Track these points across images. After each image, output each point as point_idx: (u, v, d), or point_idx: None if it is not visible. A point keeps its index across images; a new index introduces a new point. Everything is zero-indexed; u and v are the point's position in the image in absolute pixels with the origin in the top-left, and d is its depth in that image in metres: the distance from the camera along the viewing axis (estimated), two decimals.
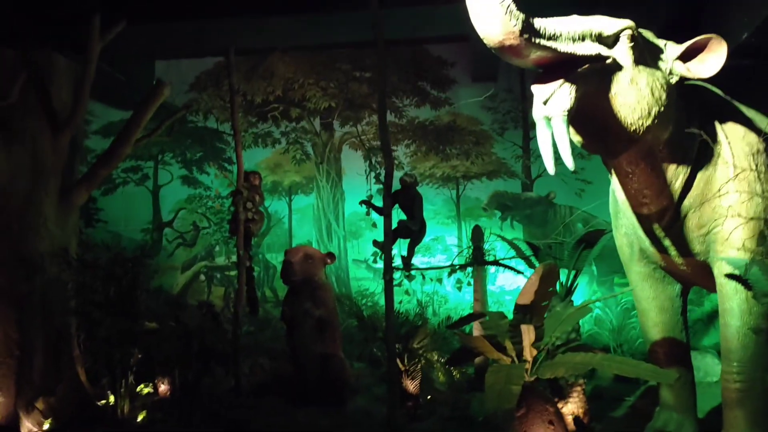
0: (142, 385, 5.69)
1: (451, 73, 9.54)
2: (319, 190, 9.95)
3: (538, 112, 3.18)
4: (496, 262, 5.58)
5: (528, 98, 9.18)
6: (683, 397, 4.55)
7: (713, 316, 7.56)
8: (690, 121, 3.79)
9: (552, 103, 3.11)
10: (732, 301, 3.78)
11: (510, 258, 5.75)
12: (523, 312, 4.09)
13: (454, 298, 8.98)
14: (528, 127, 9.27)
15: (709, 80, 3.70)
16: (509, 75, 9.16)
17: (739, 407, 3.72)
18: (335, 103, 9.69)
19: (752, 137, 3.88)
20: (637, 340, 7.78)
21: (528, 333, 4.02)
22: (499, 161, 9.45)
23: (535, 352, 4.05)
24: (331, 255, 5.91)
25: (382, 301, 9.20)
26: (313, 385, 5.54)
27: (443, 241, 9.51)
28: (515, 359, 4.10)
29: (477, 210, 9.37)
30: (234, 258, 6.11)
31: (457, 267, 5.51)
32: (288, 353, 5.87)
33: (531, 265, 5.66)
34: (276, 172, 10.14)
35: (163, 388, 5.66)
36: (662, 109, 3.45)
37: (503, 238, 5.93)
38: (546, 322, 4.17)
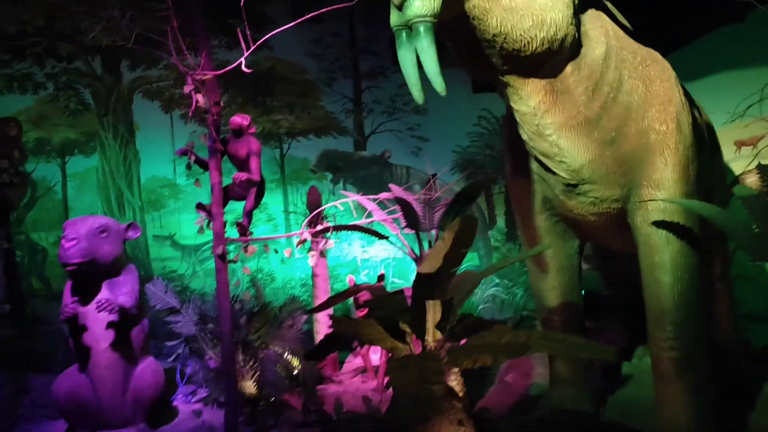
0: None
1: (268, 11, 8.21)
2: (105, 149, 8.04)
3: (395, 20, 2.61)
4: (356, 227, 4.57)
5: (358, 44, 8.33)
6: (579, 369, 4.07)
7: None
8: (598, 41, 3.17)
9: (411, 5, 2.51)
10: (663, 253, 3.24)
11: (369, 222, 4.79)
12: (426, 284, 3.12)
13: (282, 275, 7.97)
14: (360, 77, 8.43)
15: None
16: (337, 17, 8.16)
17: (678, 380, 3.20)
18: (121, 39, 7.76)
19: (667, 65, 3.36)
20: None
21: (434, 311, 3.08)
22: (327, 116, 8.47)
23: (438, 336, 3.14)
24: (133, 226, 4.44)
25: (194, 285, 7.81)
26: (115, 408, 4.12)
27: (267, 209, 8.35)
28: (412, 348, 3.16)
29: (304, 172, 8.48)
30: None
31: (310, 234, 4.38)
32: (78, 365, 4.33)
33: (394, 229, 4.77)
34: (41, 127, 7.98)
35: None
36: (559, 15, 2.85)
37: (351, 197, 4.92)
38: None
